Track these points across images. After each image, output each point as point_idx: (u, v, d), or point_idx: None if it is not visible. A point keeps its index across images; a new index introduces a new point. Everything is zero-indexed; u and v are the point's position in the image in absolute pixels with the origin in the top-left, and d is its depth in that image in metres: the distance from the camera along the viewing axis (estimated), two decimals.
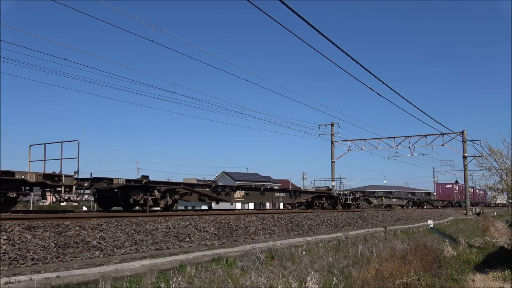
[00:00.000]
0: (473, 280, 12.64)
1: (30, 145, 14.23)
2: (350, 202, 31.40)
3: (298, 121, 76.14)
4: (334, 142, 42.44)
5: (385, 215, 28.28)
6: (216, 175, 59.60)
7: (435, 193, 66.22)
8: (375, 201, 37.91)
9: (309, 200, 28.07)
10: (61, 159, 13.26)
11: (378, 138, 41.81)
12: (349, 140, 42.82)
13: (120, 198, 15.38)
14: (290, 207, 27.36)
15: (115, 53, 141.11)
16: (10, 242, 7.93)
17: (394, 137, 41.45)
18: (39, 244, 8.23)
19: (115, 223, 10.66)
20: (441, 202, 57.47)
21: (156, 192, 15.81)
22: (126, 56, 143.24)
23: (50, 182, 12.26)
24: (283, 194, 24.64)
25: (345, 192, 32.28)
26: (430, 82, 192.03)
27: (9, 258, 7.45)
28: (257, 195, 22.35)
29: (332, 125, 42.35)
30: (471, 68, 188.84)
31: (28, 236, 8.36)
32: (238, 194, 20.52)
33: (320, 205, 28.66)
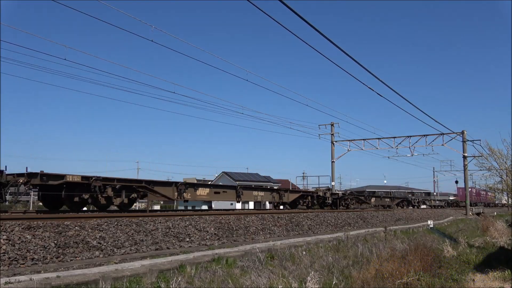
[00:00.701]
0: (473, 280, 12.64)
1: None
2: (416, 204, 45.86)
3: (298, 121, 76.30)
4: (334, 142, 42.44)
5: (385, 215, 28.28)
6: (216, 175, 59.59)
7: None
8: (428, 203, 52.92)
9: (398, 202, 41.56)
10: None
11: (378, 138, 41.84)
12: (349, 140, 42.84)
13: (331, 203, 27.93)
14: (382, 208, 37.79)
15: (115, 53, 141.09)
16: (10, 242, 7.93)
17: (394, 137, 41.49)
18: (39, 244, 8.23)
19: (115, 223, 10.65)
20: (462, 202, 68.17)
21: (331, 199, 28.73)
22: (126, 56, 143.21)
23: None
24: (388, 199, 40.01)
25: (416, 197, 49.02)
26: (430, 82, 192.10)
27: (9, 258, 7.45)
28: (378, 200, 36.75)
29: (332, 125, 42.35)
30: (471, 68, 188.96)
31: (28, 236, 8.36)
32: (373, 199, 35.59)
33: (402, 205, 42.03)
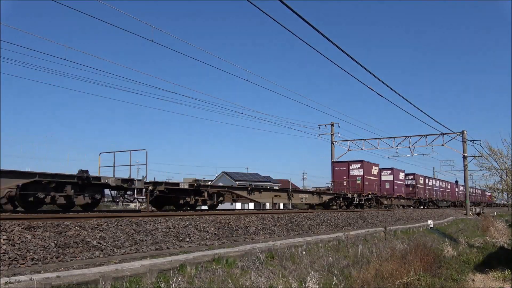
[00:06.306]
0: (473, 280, 12.64)
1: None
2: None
3: (298, 121, 76.24)
4: (334, 142, 42.47)
5: (385, 215, 28.29)
6: (216, 175, 59.61)
7: None
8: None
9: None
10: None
11: (378, 138, 41.89)
12: (349, 140, 42.88)
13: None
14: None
15: (115, 53, 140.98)
16: (10, 242, 7.93)
17: (394, 137, 41.53)
18: (39, 244, 8.23)
19: (115, 223, 10.66)
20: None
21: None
22: (126, 56, 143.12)
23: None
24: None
25: None
26: (430, 82, 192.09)
27: (9, 258, 7.45)
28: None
29: (332, 125, 42.38)
30: (471, 68, 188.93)
31: (28, 236, 8.36)
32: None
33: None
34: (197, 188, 17.75)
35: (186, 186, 17.33)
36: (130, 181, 14.60)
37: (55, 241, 8.59)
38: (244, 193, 21.25)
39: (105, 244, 9.38)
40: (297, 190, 27.47)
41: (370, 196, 33.21)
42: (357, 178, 33.13)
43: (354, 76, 18.30)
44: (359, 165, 33.87)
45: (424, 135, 39.93)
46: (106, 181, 13.97)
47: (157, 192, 15.83)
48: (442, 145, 39.55)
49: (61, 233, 9.03)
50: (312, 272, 9.31)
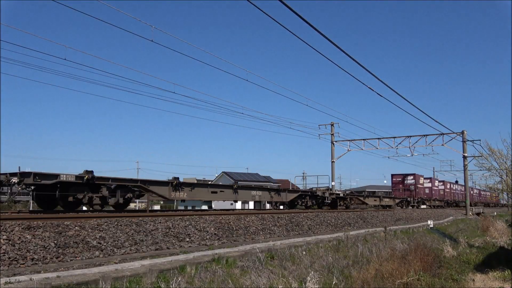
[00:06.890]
0: (473, 280, 12.64)
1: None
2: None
3: (298, 121, 76.30)
4: (334, 142, 42.46)
5: (385, 215, 28.28)
6: (216, 175, 59.62)
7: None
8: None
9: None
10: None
11: (378, 138, 41.87)
12: (349, 140, 42.87)
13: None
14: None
15: (115, 53, 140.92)
16: (10, 242, 7.93)
17: (394, 137, 41.52)
18: (39, 244, 8.23)
19: (115, 223, 10.65)
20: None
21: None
22: (126, 56, 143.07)
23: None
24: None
25: None
26: (430, 82, 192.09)
27: (9, 258, 7.45)
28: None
29: (332, 125, 42.36)
30: (472, 68, 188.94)
31: (28, 236, 8.36)
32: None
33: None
34: (344, 196, 28.89)
35: (341, 195, 28.56)
36: (324, 191, 26.28)
37: (55, 241, 8.59)
38: (361, 198, 30.94)
39: (105, 244, 9.38)
40: (384, 196, 37.88)
41: (419, 200, 46.44)
42: (411, 186, 46.52)
43: (354, 76, 18.32)
44: (412, 177, 47.00)
45: (424, 135, 39.92)
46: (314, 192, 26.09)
47: (20, 188, 14.62)
48: (442, 145, 39.54)
49: (61, 233, 9.02)
50: (312, 272, 9.31)
